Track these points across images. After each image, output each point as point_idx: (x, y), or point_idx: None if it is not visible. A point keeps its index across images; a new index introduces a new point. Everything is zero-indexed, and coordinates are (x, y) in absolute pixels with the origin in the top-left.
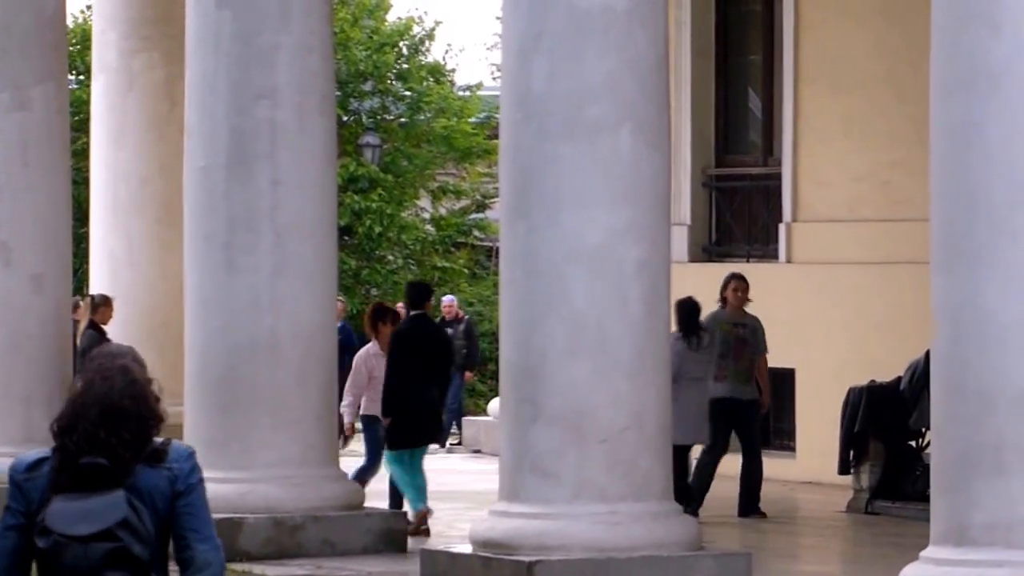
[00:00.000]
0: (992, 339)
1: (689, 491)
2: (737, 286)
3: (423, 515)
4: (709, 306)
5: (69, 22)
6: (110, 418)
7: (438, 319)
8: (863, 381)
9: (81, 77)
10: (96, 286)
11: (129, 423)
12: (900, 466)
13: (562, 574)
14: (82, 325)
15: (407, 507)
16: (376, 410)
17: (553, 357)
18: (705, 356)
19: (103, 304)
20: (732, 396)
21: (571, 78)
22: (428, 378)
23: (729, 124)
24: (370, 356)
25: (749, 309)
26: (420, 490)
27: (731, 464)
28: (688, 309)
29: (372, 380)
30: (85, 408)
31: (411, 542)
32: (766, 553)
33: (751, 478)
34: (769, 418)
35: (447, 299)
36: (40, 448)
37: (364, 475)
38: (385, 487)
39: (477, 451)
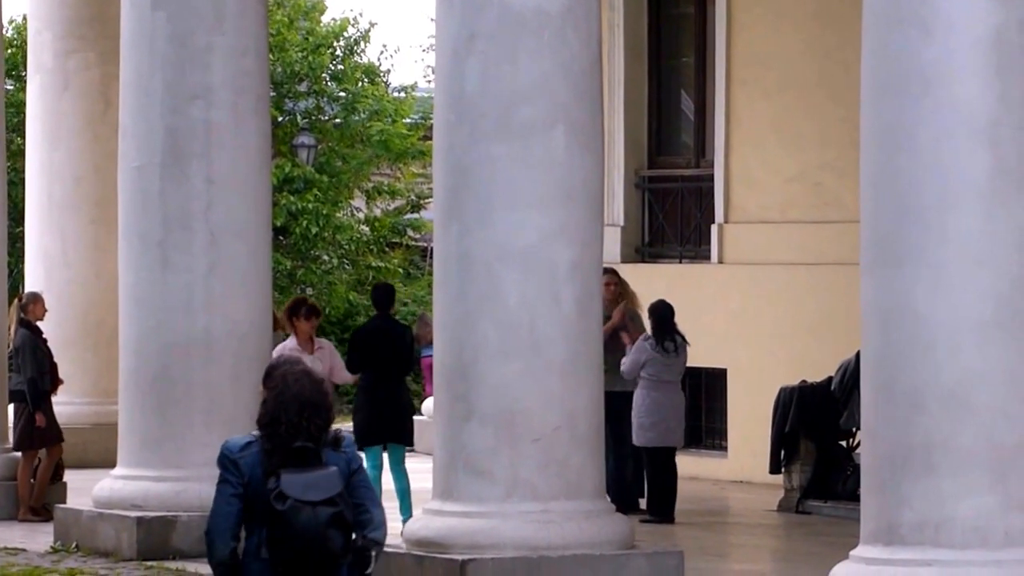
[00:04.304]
0: (921, 340)
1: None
2: (609, 280)
3: None
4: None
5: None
6: (307, 409)
7: None
8: (794, 381)
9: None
10: (31, 285)
11: (321, 412)
12: (831, 466)
13: (495, 573)
14: (13, 325)
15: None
16: None
17: (486, 357)
18: (675, 360)
19: (33, 301)
20: (610, 390)
21: (504, 79)
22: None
23: (662, 126)
24: (291, 352)
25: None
26: (403, 492)
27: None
28: (661, 313)
29: None
30: (285, 405)
31: None
32: (698, 552)
33: (623, 474)
34: (701, 417)
35: None
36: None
37: None
38: None
39: (411, 450)
